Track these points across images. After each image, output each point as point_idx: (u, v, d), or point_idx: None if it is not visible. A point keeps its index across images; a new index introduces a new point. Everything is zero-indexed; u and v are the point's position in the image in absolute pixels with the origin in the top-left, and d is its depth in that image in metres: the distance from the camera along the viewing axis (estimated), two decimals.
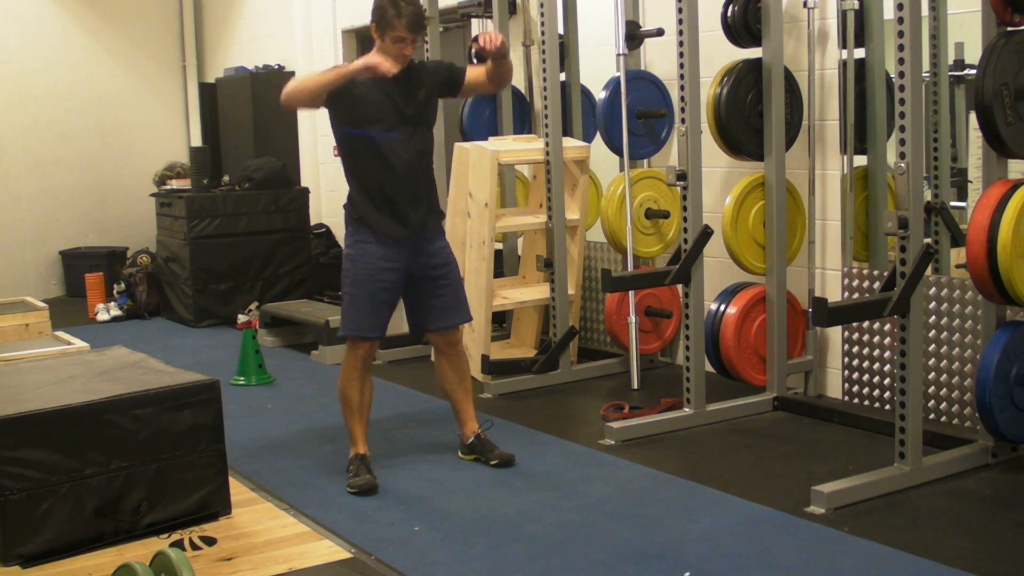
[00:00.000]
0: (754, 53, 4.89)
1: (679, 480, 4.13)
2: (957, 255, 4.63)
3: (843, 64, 4.80)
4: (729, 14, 4.92)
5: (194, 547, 3.52)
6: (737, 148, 4.90)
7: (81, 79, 9.76)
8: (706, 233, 4.71)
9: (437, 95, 4.30)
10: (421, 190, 4.24)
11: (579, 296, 5.94)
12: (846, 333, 4.90)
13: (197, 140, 9.75)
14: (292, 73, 8.64)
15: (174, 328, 7.94)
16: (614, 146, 5.60)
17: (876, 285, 4.66)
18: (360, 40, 8.40)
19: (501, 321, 6.60)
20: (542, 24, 5.47)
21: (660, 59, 5.80)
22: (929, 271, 4.22)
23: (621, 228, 5.51)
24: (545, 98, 5.49)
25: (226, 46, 10.03)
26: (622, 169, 5.57)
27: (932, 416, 4.49)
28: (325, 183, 8.69)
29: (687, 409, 4.79)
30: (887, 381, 4.74)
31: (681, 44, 4.62)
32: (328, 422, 5.06)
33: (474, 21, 6.97)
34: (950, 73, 4.76)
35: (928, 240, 4.46)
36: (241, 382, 6.01)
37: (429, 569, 3.40)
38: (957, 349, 4.44)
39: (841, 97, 4.83)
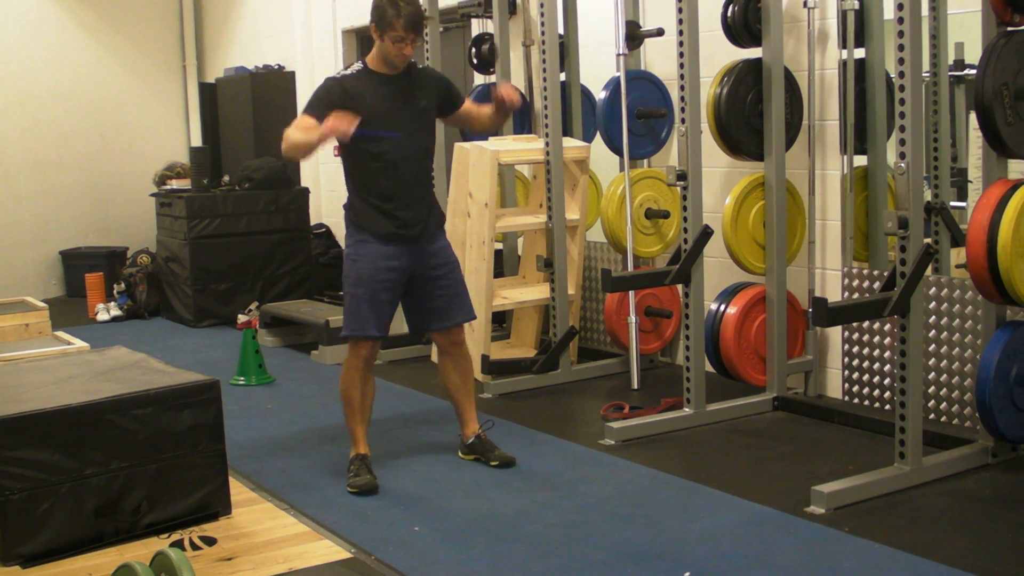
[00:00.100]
0: (754, 53, 4.89)
1: (679, 480, 4.13)
2: (957, 255, 4.63)
3: (843, 64, 4.80)
4: (729, 14, 4.92)
5: (194, 547, 3.52)
6: (737, 148, 4.90)
7: (81, 79, 9.76)
8: (706, 233, 4.71)
9: (435, 107, 4.30)
10: (422, 190, 4.25)
11: (579, 296, 5.94)
12: (846, 333, 4.90)
13: (197, 140, 9.75)
14: (292, 73, 8.66)
15: (174, 328, 7.94)
16: (614, 146, 5.60)
17: (876, 285, 4.66)
18: (360, 40, 8.40)
19: (501, 321, 6.60)
20: (542, 24, 5.47)
21: (660, 59, 5.80)
22: (929, 271, 4.22)
23: (621, 228, 5.51)
24: (545, 98, 5.49)
25: (226, 46, 10.03)
26: (622, 169, 5.57)
27: (932, 416, 4.49)
28: (325, 183, 8.69)
29: (687, 409, 4.79)
30: (887, 381, 4.74)
31: (681, 44, 4.62)
32: (328, 422, 5.06)
33: (474, 21, 6.96)
34: (950, 73, 4.75)
35: (928, 240, 4.46)
36: (241, 382, 6.01)
37: (429, 569, 3.40)
38: (957, 349, 4.44)
39: (841, 97, 4.83)
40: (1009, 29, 3.82)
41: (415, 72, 4.22)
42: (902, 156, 3.78)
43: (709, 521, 3.70)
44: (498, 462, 4.33)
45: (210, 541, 3.58)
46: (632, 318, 5.50)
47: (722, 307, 4.97)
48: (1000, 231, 3.66)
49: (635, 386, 5.46)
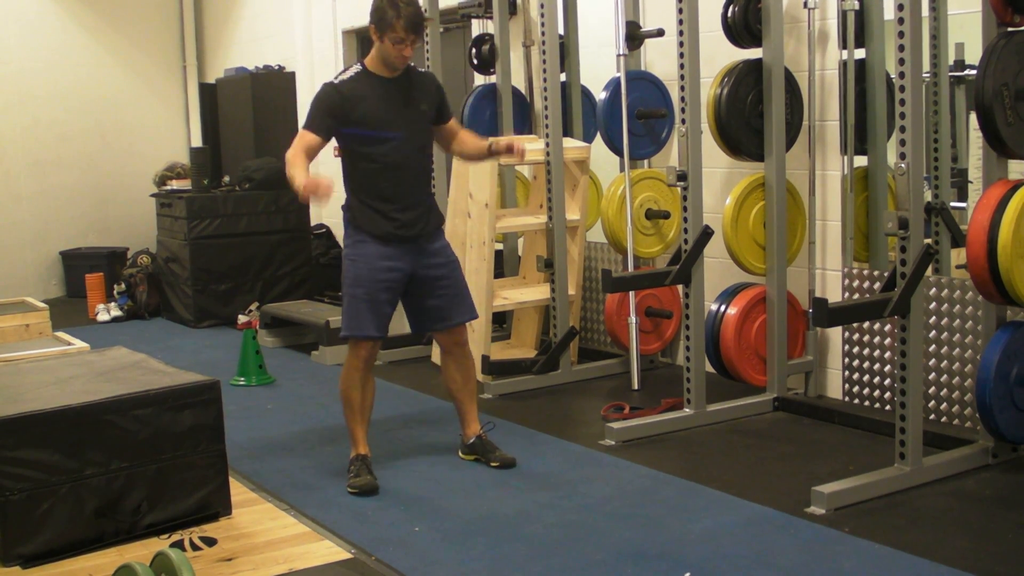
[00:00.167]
0: (754, 53, 4.89)
1: (679, 480, 4.13)
2: (957, 255, 4.63)
3: (843, 64, 4.80)
4: (729, 14, 4.92)
5: (194, 547, 3.52)
6: (737, 148, 4.90)
7: (81, 79, 9.76)
8: (706, 233, 4.71)
9: (432, 113, 4.31)
10: (420, 192, 4.25)
11: (579, 296, 5.94)
12: (846, 334, 4.90)
13: (197, 140, 9.75)
14: (292, 74, 8.66)
15: (174, 328, 7.94)
16: (614, 146, 5.60)
17: (876, 286, 4.66)
18: (360, 40, 8.41)
19: (501, 321, 6.60)
20: (542, 24, 5.47)
21: (660, 59, 5.80)
22: (929, 271, 4.22)
23: (621, 228, 5.51)
24: (545, 98, 5.49)
25: (226, 46, 10.03)
26: (622, 169, 5.57)
27: (932, 416, 4.48)
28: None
29: (687, 409, 4.79)
30: (887, 381, 4.74)
31: (681, 44, 4.62)
32: (328, 422, 5.06)
33: (474, 21, 6.96)
34: (950, 73, 4.75)
35: (928, 240, 4.46)
36: (241, 382, 6.01)
37: (429, 569, 3.40)
38: (957, 349, 4.43)
39: (841, 97, 4.83)
40: (1009, 30, 3.82)
41: (414, 75, 4.22)
42: (902, 156, 3.78)
43: (709, 521, 3.70)
44: (499, 463, 4.33)
45: (210, 541, 3.58)
46: (632, 318, 5.50)
47: (722, 307, 4.97)
48: (1000, 231, 3.66)
49: (635, 386, 5.46)
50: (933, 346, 4.49)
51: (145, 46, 10.11)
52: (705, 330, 4.90)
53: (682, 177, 4.67)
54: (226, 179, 8.51)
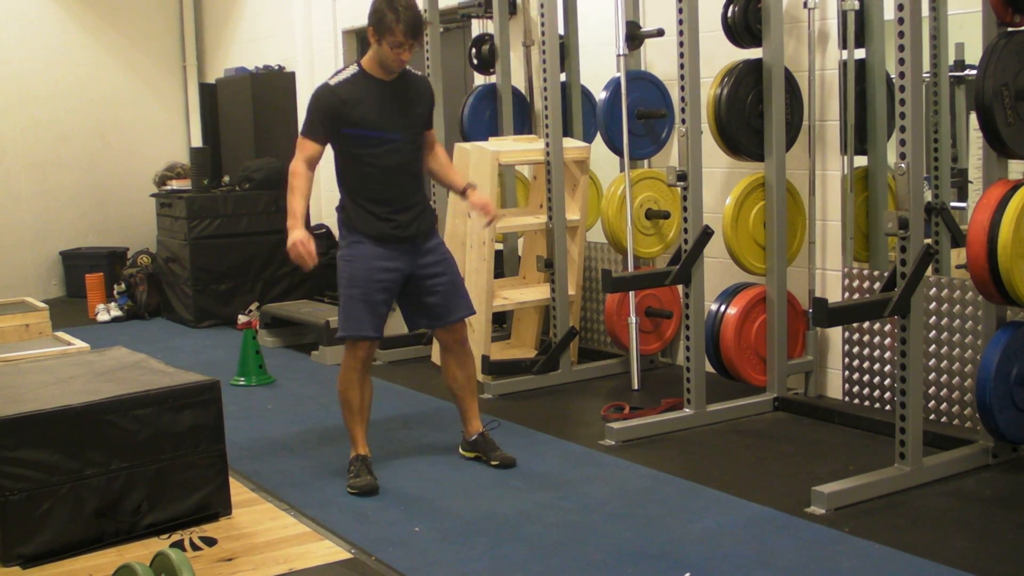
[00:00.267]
0: (754, 53, 4.89)
1: (679, 480, 4.13)
2: (957, 255, 4.63)
3: (843, 64, 4.80)
4: (729, 14, 4.92)
5: (194, 547, 3.53)
6: (737, 148, 4.90)
7: (81, 79, 9.76)
8: (706, 233, 4.71)
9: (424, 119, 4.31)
10: (415, 194, 4.25)
11: (579, 296, 5.94)
12: (846, 333, 4.90)
13: (197, 140, 9.75)
14: (292, 74, 8.66)
15: (174, 328, 7.94)
16: (614, 146, 5.60)
17: (876, 286, 4.66)
18: (360, 41, 8.40)
19: (501, 321, 6.60)
20: (542, 24, 5.46)
21: (660, 59, 5.80)
22: (929, 271, 4.22)
23: (621, 228, 5.51)
24: (545, 98, 5.49)
25: (226, 46, 10.02)
26: (622, 169, 5.57)
27: (932, 416, 4.49)
28: (325, 183, 8.65)
29: (687, 409, 4.79)
30: (887, 381, 4.74)
31: (681, 44, 4.62)
32: (329, 422, 5.06)
33: (474, 21, 6.96)
34: (950, 73, 4.75)
35: (928, 240, 4.46)
36: (241, 383, 6.01)
37: (429, 569, 3.40)
38: (957, 349, 4.43)
39: (841, 97, 4.83)
40: (1009, 30, 3.82)
41: (410, 78, 4.20)
42: (902, 156, 3.78)
43: (709, 521, 3.70)
44: (499, 462, 4.33)
45: (210, 541, 3.58)
46: (632, 318, 5.50)
47: (722, 307, 4.97)
48: (1000, 232, 3.66)
49: (635, 386, 5.46)
50: (933, 346, 4.49)
51: (145, 46, 10.11)
52: (705, 330, 4.90)
53: (682, 177, 4.67)
54: (226, 179, 8.51)
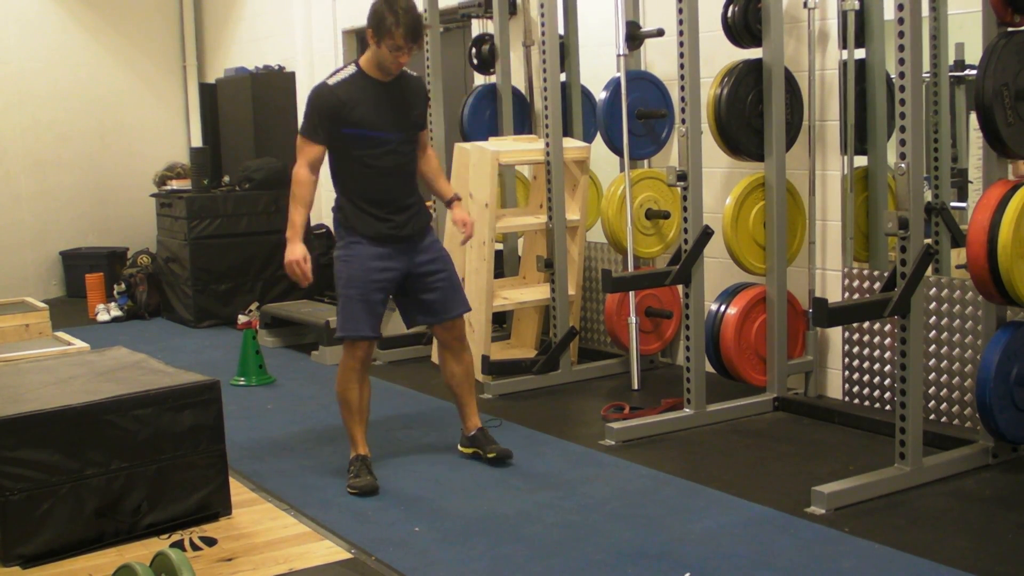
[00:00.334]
0: (754, 53, 4.89)
1: (679, 480, 4.13)
2: (957, 255, 4.63)
3: (843, 64, 4.80)
4: (729, 14, 4.92)
5: (194, 547, 3.53)
6: (737, 148, 4.90)
7: (81, 79, 9.76)
8: (706, 233, 4.71)
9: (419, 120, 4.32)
10: (411, 195, 4.26)
11: (579, 296, 5.94)
12: (846, 333, 4.90)
13: (197, 140, 9.74)
14: (292, 74, 8.65)
15: (174, 328, 7.94)
16: (614, 146, 5.60)
17: (876, 286, 4.66)
18: (360, 41, 8.40)
19: (501, 322, 6.60)
20: (542, 24, 5.46)
21: (660, 59, 5.80)
22: (929, 271, 4.22)
23: (621, 228, 5.51)
24: (545, 98, 5.49)
25: (226, 46, 10.03)
26: (622, 169, 5.57)
27: (932, 416, 4.49)
28: (325, 183, 8.64)
29: (687, 409, 4.79)
30: (887, 381, 4.74)
31: (681, 44, 4.62)
32: (329, 423, 5.06)
33: (474, 21, 6.96)
34: (950, 73, 4.76)
35: (928, 241, 4.46)
36: (241, 383, 6.01)
37: (429, 569, 3.40)
38: (957, 349, 4.43)
39: (841, 97, 4.83)
40: (1009, 30, 3.82)
41: (406, 79, 4.20)
42: (902, 156, 3.78)
43: (709, 521, 3.70)
44: (495, 454, 4.33)
45: (210, 542, 3.58)
46: (632, 318, 5.50)
47: (722, 307, 4.97)
48: (1000, 232, 3.66)
49: (635, 386, 5.46)
50: (933, 346, 4.49)
51: (145, 46, 10.11)
52: (705, 330, 4.90)
53: (682, 177, 4.67)
54: (226, 179, 8.50)
